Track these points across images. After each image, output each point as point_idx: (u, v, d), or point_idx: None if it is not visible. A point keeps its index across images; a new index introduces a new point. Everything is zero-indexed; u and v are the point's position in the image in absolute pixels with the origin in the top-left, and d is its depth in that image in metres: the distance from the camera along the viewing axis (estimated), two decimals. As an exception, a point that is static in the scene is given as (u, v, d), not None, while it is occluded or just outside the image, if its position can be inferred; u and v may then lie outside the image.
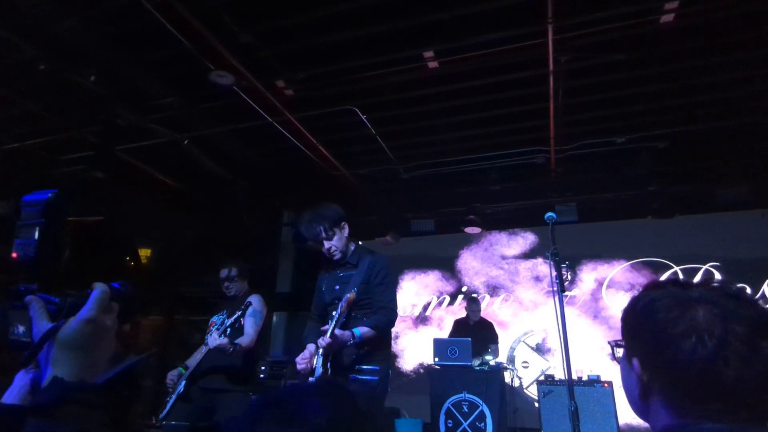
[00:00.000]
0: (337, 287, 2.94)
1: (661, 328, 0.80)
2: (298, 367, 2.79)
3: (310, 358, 2.76)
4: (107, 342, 0.79)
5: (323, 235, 2.89)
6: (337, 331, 2.59)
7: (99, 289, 0.78)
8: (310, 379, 2.75)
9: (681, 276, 6.44)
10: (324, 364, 2.69)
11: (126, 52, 4.44)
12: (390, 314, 2.83)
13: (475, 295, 6.82)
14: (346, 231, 2.95)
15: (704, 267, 6.44)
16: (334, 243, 2.90)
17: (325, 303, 3.02)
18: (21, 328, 0.76)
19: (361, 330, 2.66)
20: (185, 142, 5.61)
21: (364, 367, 2.77)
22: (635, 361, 0.85)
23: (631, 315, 0.88)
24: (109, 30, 4.13)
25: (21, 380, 0.78)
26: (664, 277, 6.45)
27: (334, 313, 2.74)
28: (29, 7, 3.84)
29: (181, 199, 7.45)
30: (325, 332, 2.59)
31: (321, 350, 2.70)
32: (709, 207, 6.38)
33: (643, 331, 0.84)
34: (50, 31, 4.01)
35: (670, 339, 0.79)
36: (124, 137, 5.48)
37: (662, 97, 5.11)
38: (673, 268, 6.57)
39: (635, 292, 0.91)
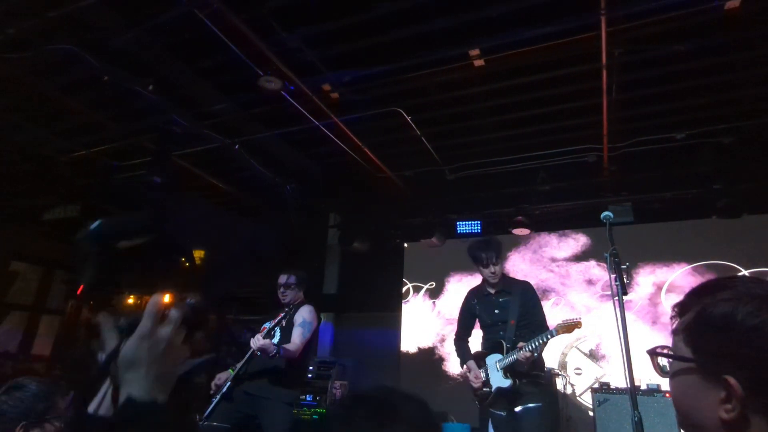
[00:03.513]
0: (497, 311, 3.50)
1: (764, 335, 0.70)
2: (474, 385, 3.46)
3: (480, 375, 3.47)
4: (170, 354, 0.75)
5: (494, 260, 3.42)
6: (531, 347, 3.21)
7: (149, 302, 0.77)
8: (485, 389, 3.43)
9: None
10: (505, 374, 3.36)
11: (181, 61, 4.63)
12: (546, 330, 3.35)
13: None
14: (504, 263, 3.50)
15: (776, 270, 5.98)
16: (498, 269, 3.46)
17: (485, 324, 3.60)
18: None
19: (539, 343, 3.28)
20: (236, 146, 5.78)
21: (540, 373, 3.41)
22: (731, 379, 0.70)
23: (711, 326, 0.76)
24: (166, 41, 4.32)
25: (103, 392, 0.80)
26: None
27: (501, 332, 3.46)
28: (93, 22, 4.08)
29: (232, 202, 7.71)
30: (520, 348, 3.25)
31: (501, 363, 3.38)
32: (782, 205, 5.93)
33: (738, 343, 0.72)
34: (112, 44, 4.24)
35: None
36: (179, 143, 5.72)
37: (726, 89, 4.78)
38: (741, 271, 6.13)
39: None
